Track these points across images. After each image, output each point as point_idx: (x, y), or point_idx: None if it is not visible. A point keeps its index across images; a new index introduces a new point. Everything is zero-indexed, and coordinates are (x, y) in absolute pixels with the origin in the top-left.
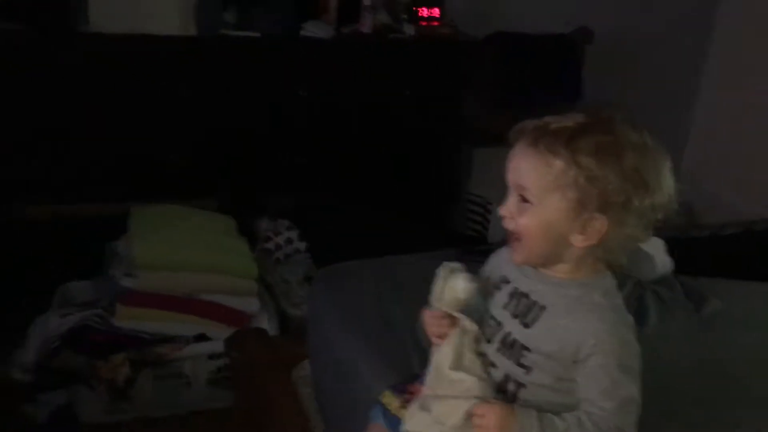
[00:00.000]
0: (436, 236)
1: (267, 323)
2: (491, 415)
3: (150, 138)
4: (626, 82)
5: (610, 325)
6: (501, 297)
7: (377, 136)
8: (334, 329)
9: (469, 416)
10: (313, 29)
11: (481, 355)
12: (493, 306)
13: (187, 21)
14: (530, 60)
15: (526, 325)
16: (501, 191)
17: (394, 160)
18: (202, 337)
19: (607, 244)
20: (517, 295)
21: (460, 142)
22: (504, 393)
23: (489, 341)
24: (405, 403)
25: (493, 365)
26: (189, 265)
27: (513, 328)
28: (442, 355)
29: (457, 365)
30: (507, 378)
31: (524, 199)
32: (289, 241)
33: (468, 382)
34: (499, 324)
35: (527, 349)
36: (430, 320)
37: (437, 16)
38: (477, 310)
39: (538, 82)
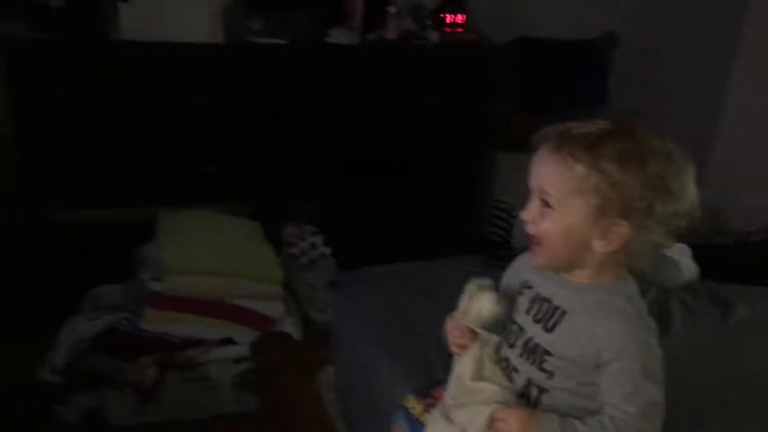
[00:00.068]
0: (460, 242)
1: (291, 328)
2: (512, 419)
3: (179, 144)
4: (652, 87)
5: (633, 329)
6: (523, 302)
7: (402, 142)
8: (358, 334)
9: (491, 421)
10: (338, 36)
11: (504, 360)
12: (515, 311)
13: (215, 29)
14: (555, 65)
15: (548, 330)
16: (526, 197)
17: (419, 165)
18: (227, 341)
19: (629, 249)
20: (538, 300)
21: (484, 148)
22: (526, 398)
23: (511, 346)
24: (428, 408)
25: (515, 370)
26: (216, 270)
27: (535, 332)
28: (463, 365)
29: (478, 376)
30: (529, 383)
31: (546, 204)
32: (314, 246)
33: (489, 391)
34: (522, 329)
35: (549, 353)
36: (452, 331)
37: (462, 22)
38: (499, 326)
39: (563, 88)
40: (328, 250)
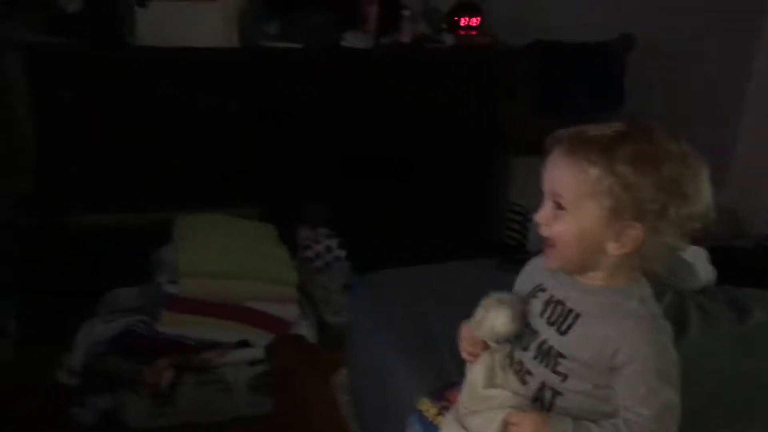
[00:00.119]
0: (475, 245)
1: (306, 330)
2: (526, 422)
3: (194, 148)
4: (671, 90)
5: (647, 332)
6: (537, 305)
7: (416, 145)
8: (372, 337)
9: (505, 425)
10: (352, 40)
11: (517, 363)
12: (529, 314)
13: (230, 33)
14: (570, 68)
15: (562, 332)
16: (541, 200)
17: (434, 168)
18: (243, 344)
19: (643, 252)
20: (552, 302)
21: (499, 151)
22: (540, 401)
23: (525, 349)
24: (442, 410)
25: (529, 373)
26: (231, 273)
27: (549, 335)
28: (475, 374)
29: (490, 384)
30: (543, 386)
31: (559, 207)
32: (329, 249)
33: (501, 397)
34: (535, 332)
35: (563, 356)
36: (465, 339)
37: (477, 25)
38: (512, 340)
39: (579, 91)
40: (343, 253)
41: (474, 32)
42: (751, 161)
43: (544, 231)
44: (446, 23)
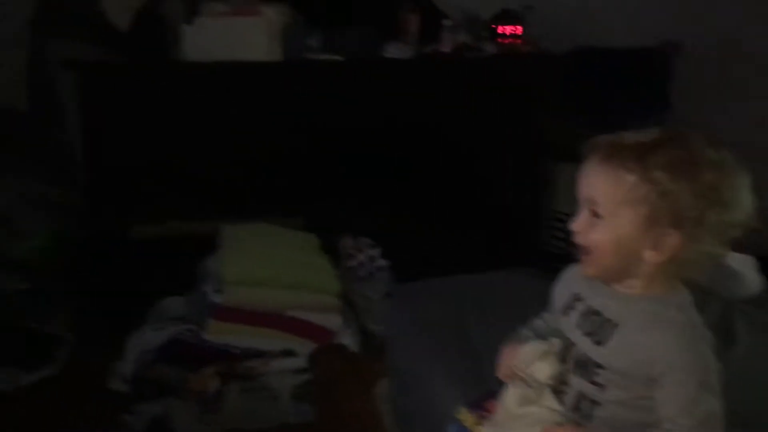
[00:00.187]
0: (518, 254)
1: (349, 339)
2: None
3: (240, 160)
4: (719, 96)
5: (687, 340)
6: (573, 316)
7: (459, 155)
8: (412, 346)
9: None
10: (393, 51)
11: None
12: (566, 325)
13: (274, 47)
14: (615, 75)
15: (599, 343)
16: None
17: (478, 177)
18: (286, 352)
19: (682, 260)
20: (589, 313)
21: (542, 159)
22: (578, 412)
23: (562, 361)
24: (480, 420)
25: (565, 383)
26: (275, 282)
27: (585, 346)
28: (510, 394)
29: (525, 401)
30: (581, 397)
31: (596, 214)
32: (372, 258)
33: (536, 414)
34: (572, 343)
35: (600, 366)
36: (506, 361)
37: (519, 33)
38: None
39: (623, 98)
40: (385, 263)
41: (516, 40)
42: None
43: (580, 239)
44: (487, 32)
